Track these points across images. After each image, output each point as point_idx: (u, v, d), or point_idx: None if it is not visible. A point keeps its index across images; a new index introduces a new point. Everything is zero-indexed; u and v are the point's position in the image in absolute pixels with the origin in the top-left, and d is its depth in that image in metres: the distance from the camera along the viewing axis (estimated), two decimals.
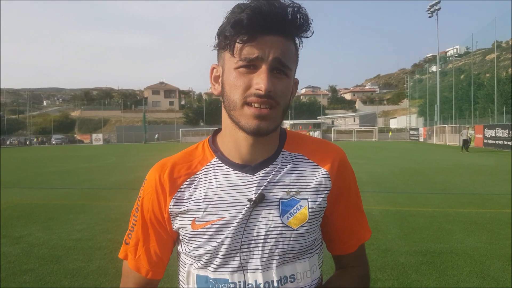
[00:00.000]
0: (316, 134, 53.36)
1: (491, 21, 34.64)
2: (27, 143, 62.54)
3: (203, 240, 0.88)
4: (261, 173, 0.90)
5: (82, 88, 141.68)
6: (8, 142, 60.55)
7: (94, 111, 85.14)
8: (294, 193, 0.90)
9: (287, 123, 60.61)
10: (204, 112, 72.25)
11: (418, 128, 50.04)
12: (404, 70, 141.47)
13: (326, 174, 0.93)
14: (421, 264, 4.14)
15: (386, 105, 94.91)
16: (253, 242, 0.87)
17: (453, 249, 4.64)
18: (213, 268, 0.88)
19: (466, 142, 24.44)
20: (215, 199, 0.89)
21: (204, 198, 0.89)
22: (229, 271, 0.87)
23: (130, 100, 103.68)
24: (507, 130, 24.36)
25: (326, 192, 0.92)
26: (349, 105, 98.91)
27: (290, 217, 0.88)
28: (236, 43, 0.82)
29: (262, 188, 0.88)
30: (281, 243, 0.87)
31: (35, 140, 65.09)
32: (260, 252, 0.86)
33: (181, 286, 0.97)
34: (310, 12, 0.84)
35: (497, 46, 36.28)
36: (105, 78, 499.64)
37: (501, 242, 4.87)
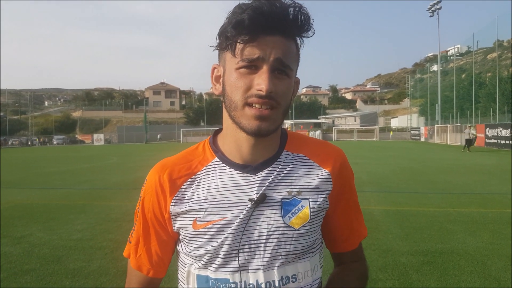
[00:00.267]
0: (317, 133, 53.33)
1: (492, 20, 34.59)
2: (29, 143, 62.66)
3: (204, 240, 0.88)
4: (262, 173, 0.90)
5: (84, 88, 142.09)
6: (9, 143, 60.68)
7: (95, 112, 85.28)
8: (295, 193, 0.90)
9: (287, 123, 60.60)
10: (204, 112, 72.29)
11: (419, 128, 49.98)
12: (405, 70, 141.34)
13: (327, 174, 0.94)
14: (422, 264, 4.14)
15: (387, 105, 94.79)
16: (254, 242, 0.87)
17: (455, 249, 4.63)
18: (214, 268, 0.88)
19: (468, 142, 24.44)
20: (216, 199, 0.89)
21: (205, 198, 0.89)
22: (230, 271, 0.87)
23: (131, 100, 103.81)
24: (509, 130, 24.32)
25: (327, 192, 0.93)
26: (349, 105, 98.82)
27: (291, 217, 0.88)
28: (237, 44, 0.82)
29: (263, 188, 0.88)
30: (283, 243, 0.87)
31: (36, 140, 65.21)
32: (261, 252, 0.87)
33: (180, 286, 0.97)
34: (311, 12, 0.84)
35: (499, 45, 36.26)
36: (106, 79, 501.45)
37: (503, 242, 4.86)
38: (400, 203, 7.56)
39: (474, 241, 4.91)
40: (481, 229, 5.46)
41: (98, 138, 65.18)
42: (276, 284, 0.86)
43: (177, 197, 0.91)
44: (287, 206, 0.89)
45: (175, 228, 0.92)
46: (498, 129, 26.20)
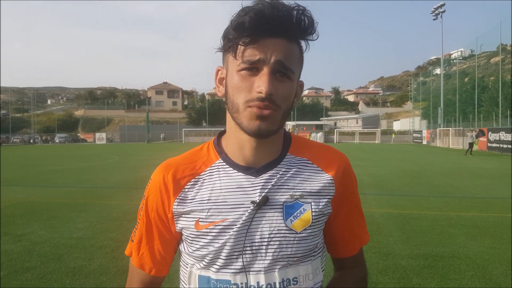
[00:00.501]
0: (319, 135, 53.28)
1: (496, 24, 34.63)
2: (31, 141, 62.83)
3: (206, 240, 0.88)
4: (265, 176, 0.90)
5: (86, 87, 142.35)
6: (11, 141, 60.86)
7: (97, 111, 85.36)
8: (298, 196, 0.90)
9: (289, 124, 60.57)
10: (207, 113, 72.31)
11: (422, 131, 49.87)
12: (407, 72, 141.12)
13: (330, 179, 0.94)
14: (423, 268, 4.13)
15: (390, 107, 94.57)
16: (256, 244, 0.87)
17: (455, 253, 4.62)
18: (216, 268, 0.88)
19: (471, 145, 24.42)
20: (219, 200, 0.89)
21: (208, 199, 0.90)
22: (232, 272, 0.87)
23: (134, 99, 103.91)
24: (511, 134, 24.25)
25: (329, 197, 0.93)
26: (352, 107, 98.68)
27: (293, 220, 0.89)
28: (239, 46, 0.82)
29: (266, 190, 0.89)
30: (284, 246, 0.87)
31: (39, 138, 65.38)
32: (263, 254, 0.87)
33: (182, 286, 0.97)
34: (315, 14, 0.83)
35: (502, 49, 36.11)
36: (109, 78, 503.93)
37: (504, 247, 4.84)
38: (402, 206, 7.54)
39: (475, 245, 4.90)
40: (482, 234, 5.44)
41: (100, 137, 65.26)
42: (277, 286, 0.87)
43: (180, 197, 0.92)
44: (289, 209, 0.89)
45: (178, 228, 0.93)
46: (500, 133, 26.13)
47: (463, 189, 9.86)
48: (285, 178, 0.91)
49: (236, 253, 0.87)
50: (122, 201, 8.10)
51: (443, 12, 46.52)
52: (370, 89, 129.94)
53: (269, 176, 0.90)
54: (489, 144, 28.04)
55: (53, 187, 10.70)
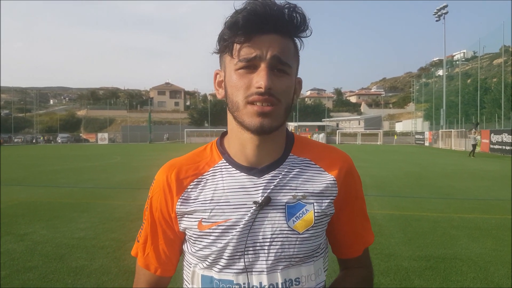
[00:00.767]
0: (321, 136, 53.24)
1: (499, 25, 34.51)
2: (34, 141, 63.00)
3: (209, 241, 0.89)
4: (267, 176, 0.91)
5: (89, 87, 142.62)
6: (15, 140, 61.05)
7: (100, 111, 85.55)
8: (300, 197, 0.90)
9: (291, 125, 60.57)
10: (209, 113, 72.39)
11: (424, 132, 49.79)
12: (410, 74, 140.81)
13: (333, 180, 0.94)
14: (425, 269, 4.12)
15: (392, 109, 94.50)
16: (258, 244, 0.87)
17: (457, 254, 4.61)
18: (218, 268, 0.89)
19: (473, 147, 24.36)
20: (222, 201, 0.90)
21: (211, 199, 0.90)
22: (234, 272, 0.88)
23: (136, 100, 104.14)
24: None
25: (332, 198, 0.93)
26: (354, 108, 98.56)
27: (296, 221, 0.89)
28: (235, 45, 0.83)
29: (268, 191, 0.89)
30: (286, 246, 0.88)
31: (41, 138, 65.57)
32: (265, 255, 0.87)
33: (185, 286, 0.98)
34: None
35: (505, 50, 35.95)
36: (111, 78, 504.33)
37: (506, 249, 4.83)
38: (403, 207, 7.53)
39: (477, 247, 4.88)
40: (485, 235, 5.43)
41: (102, 137, 65.40)
42: (280, 287, 0.87)
43: (183, 197, 0.92)
44: (291, 210, 0.89)
45: (181, 227, 0.94)
46: (503, 135, 26.05)
47: (465, 190, 9.84)
48: (288, 178, 0.91)
49: (238, 253, 0.87)
50: (124, 202, 8.12)
51: (446, 13, 46.44)
52: (372, 90, 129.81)
53: (271, 176, 0.90)
54: (491, 146, 27.95)
55: (55, 187, 10.72)
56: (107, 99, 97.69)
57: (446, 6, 46.09)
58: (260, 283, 0.87)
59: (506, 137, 25.47)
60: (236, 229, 0.87)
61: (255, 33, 0.82)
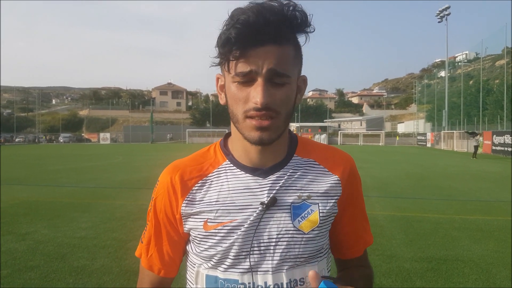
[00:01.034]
0: (322, 137, 53.22)
1: (501, 26, 34.35)
2: (36, 141, 63.17)
3: (214, 241, 0.89)
4: (272, 177, 0.91)
5: (91, 87, 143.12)
6: (17, 140, 61.22)
7: (102, 111, 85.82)
8: (305, 197, 0.91)
9: (293, 126, 60.55)
10: (210, 114, 72.49)
11: (426, 133, 49.73)
12: (412, 75, 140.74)
13: (337, 180, 0.95)
14: (426, 271, 4.11)
15: (394, 110, 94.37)
16: (264, 244, 0.88)
17: (459, 256, 4.60)
18: (223, 268, 0.89)
19: (475, 148, 24.31)
20: (227, 201, 0.90)
21: (217, 200, 0.90)
22: (240, 272, 0.88)
23: (138, 100, 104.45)
24: None
25: (336, 197, 0.94)
26: (356, 109, 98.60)
27: (301, 221, 0.89)
28: (230, 61, 0.82)
29: (274, 191, 0.89)
30: (292, 246, 0.88)
31: (43, 138, 65.75)
32: (271, 255, 0.88)
33: (189, 286, 0.98)
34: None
35: (507, 52, 35.86)
36: (113, 78, 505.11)
37: (508, 250, 4.81)
38: (405, 208, 7.52)
39: (479, 249, 4.87)
40: (486, 237, 5.41)
41: (104, 137, 65.57)
42: (285, 287, 0.88)
43: (188, 198, 0.92)
44: (297, 210, 0.90)
45: (186, 229, 0.94)
46: (505, 137, 25.97)
47: (466, 192, 9.82)
48: (293, 179, 0.92)
49: (244, 253, 0.88)
50: (126, 201, 8.13)
51: (448, 14, 46.39)
52: (375, 91, 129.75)
53: (276, 177, 0.91)
54: (493, 147, 27.88)
55: (57, 186, 10.75)
56: (109, 99, 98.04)
57: (448, 7, 46.04)
58: (265, 283, 0.87)
59: (508, 139, 25.40)
60: (241, 229, 0.88)
61: (250, 47, 0.79)
